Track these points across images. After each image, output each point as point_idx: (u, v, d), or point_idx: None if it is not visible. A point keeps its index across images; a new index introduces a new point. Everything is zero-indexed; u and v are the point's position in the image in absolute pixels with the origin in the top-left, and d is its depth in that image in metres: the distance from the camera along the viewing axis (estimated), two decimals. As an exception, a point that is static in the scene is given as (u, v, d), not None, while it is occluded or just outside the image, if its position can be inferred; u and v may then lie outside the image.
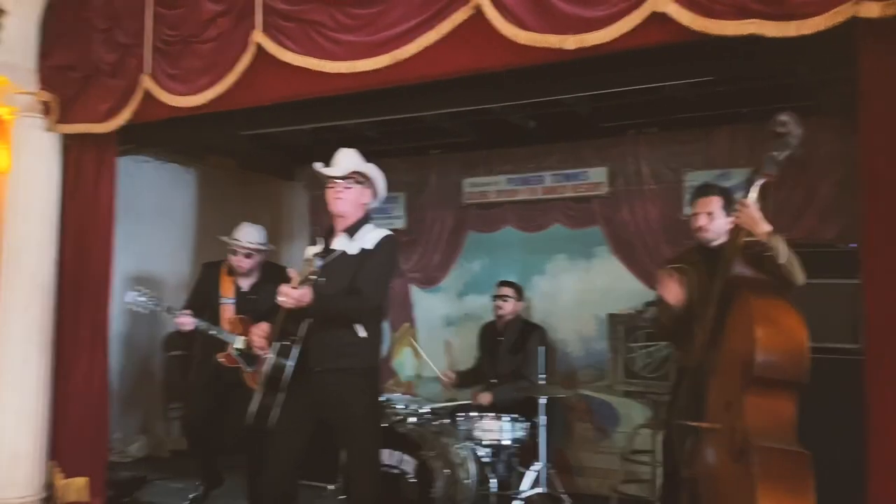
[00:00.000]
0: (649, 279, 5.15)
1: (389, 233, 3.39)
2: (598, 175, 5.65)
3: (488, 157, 6.07)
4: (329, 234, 3.44)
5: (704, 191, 3.49)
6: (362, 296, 3.20)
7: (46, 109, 4.59)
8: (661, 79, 3.51)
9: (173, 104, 4.08)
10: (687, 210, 5.02)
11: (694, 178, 5.26)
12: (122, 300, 4.44)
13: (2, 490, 4.41)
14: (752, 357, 2.71)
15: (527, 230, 5.91)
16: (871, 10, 2.54)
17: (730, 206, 3.41)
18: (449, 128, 5.55)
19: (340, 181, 3.33)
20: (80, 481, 4.50)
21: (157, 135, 4.76)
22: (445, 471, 4.19)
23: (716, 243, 3.39)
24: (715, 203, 3.40)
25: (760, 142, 4.07)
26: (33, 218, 4.56)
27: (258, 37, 3.79)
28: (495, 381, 5.05)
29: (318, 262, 3.06)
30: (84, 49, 4.47)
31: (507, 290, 5.24)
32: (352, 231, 3.34)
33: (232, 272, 4.61)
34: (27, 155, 4.59)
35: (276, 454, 3.31)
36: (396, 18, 3.45)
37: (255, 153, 6.75)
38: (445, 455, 4.27)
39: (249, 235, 4.58)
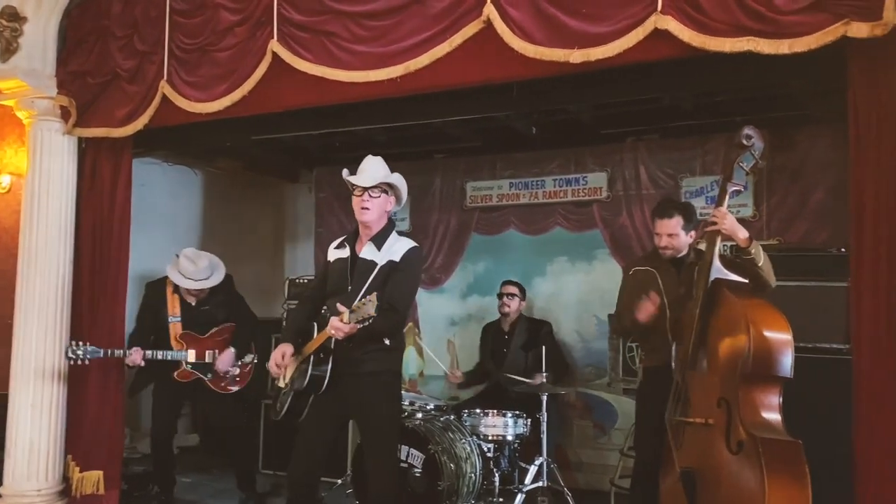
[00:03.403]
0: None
1: (414, 244, 3.45)
2: (597, 180, 5.81)
3: (492, 161, 6.21)
4: (354, 238, 3.51)
5: (667, 212, 3.56)
6: (397, 314, 3.31)
7: (64, 114, 4.71)
8: (662, 90, 3.64)
9: (191, 110, 4.18)
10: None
11: (690, 184, 5.43)
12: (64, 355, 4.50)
13: (20, 482, 4.55)
14: (746, 355, 2.87)
15: (529, 233, 6.05)
16: (860, 31, 2.67)
17: (690, 221, 3.55)
18: (454, 133, 5.68)
19: (367, 190, 3.37)
20: (96, 475, 4.63)
21: (171, 139, 4.88)
22: (451, 465, 4.34)
23: (681, 254, 3.57)
24: (675, 225, 3.52)
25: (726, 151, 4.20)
26: (51, 219, 4.67)
27: (275, 46, 3.87)
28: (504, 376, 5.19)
29: (371, 311, 3.06)
30: (102, 56, 4.58)
31: (513, 289, 5.40)
32: (378, 241, 3.40)
33: (177, 290, 4.77)
34: (45, 158, 4.71)
35: (302, 450, 3.44)
36: (410, 31, 3.55)
37: (261, 156, 6.85)
38: (451, 450, 4.43)
39: (194, 273, 4.66)
